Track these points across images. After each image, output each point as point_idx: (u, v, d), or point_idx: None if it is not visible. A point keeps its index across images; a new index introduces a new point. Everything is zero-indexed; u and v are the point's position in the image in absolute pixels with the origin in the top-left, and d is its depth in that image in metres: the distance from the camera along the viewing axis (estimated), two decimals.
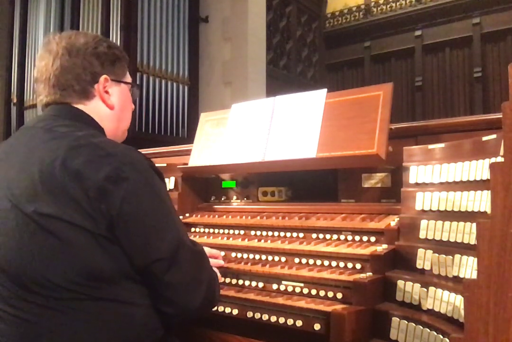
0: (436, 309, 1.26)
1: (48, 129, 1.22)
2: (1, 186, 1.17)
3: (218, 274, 1.58)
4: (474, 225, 1.02)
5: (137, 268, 1.14)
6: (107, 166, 1.10)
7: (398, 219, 1.59)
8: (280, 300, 1.49)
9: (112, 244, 1.10)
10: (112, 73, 1.37)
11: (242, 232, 1.97)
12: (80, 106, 1.31)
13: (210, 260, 1.68)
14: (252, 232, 1.92)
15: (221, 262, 1.73)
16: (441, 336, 1.17)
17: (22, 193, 1.12)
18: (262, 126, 2.03)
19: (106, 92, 1.35)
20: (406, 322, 1.31)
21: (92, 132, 1.24)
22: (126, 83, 1.44)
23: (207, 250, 1.72)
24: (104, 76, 1.34)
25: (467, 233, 1.27)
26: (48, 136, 1.19)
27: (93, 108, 1.33)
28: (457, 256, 1.28)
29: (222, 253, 1.82)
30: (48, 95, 1.32)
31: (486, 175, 1.26)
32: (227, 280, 1.69)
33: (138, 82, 4.76)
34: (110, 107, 1.37)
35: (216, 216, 2.13)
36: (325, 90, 1.91)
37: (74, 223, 1.07)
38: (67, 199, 1.08)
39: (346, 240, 1.67)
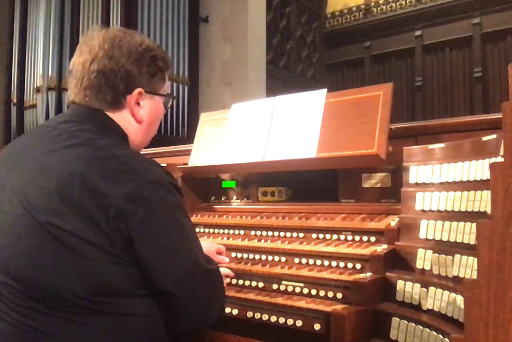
0: (436, 309, 1.26)
1: (71, 133, 1.17)
2: (16, 187, 1.13)
3: (229, 272, 1.57)
4: (474, 225, 1.02)
5: (153, 288, 1.12)
6: (128, 183, 1.07)
7: (398, 219, 1.59)
8: (280, 300, 1.48)
9: (127, 263, 1.08)
10: (149, 85, 1.30)
11: (242, 232, 1.97)
12: (108, 114, 1.26)
13: (216, 256, 1.69)
14: (252, 232, 1.92)
15: (226, 259, 1.74)
16: (441, 336, 1.17)
17: (37, 200, 1.08)
18: (262, 126, 2.03)
19: (138, 104, 1.29)
20: (406, 322, 1.31)
21: (115, 142, 1.20)
22: (161, 95, 1.37)
23: (212, 246, 1.72)
24: (138, 89, 1.27)
25: (467, 233, 1.27)
26: (69, 142, 1.14)
27: (120, 118, 1.28)
28: (457, 256, 1.28)
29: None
30: (78, 94, 1.26)
31: (486, 175, 1.26)
32: (227, 280, 1.69)
33: None
34: (138, 121, 1.31)
35: (216, 216, 2.13)
36: (325, 90, 1.91)
37: (89, 241, 1.04)
38: (84, 216, 1.05)
39: (346, 240, 1.67)
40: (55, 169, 1.10)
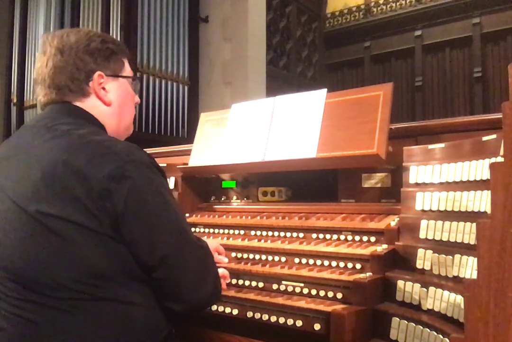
0: (436, 309, 1.26)
1: (49, 128, 1.22)
2: (4, 187, 1.17)
3: (225, 272, 1.57)
4: (474, 225, 1.02)
5: (143, 266, 1.14)
6: (109, 164, 1.10)
7: (398, 219, 1.59)
8: (280, 300, 1.49)
9: (117, 243, 1.10)
10: (108, 68, 1.35)
11: (242, 232, 1.97)
12: (78, 104, 1.31)
13: (214, 254, 1.69)
14: (252, 232, 1.92)
15: (225, 260, 1.74)
16: (441, 336, 1.17)
17: (25, 192, 1.12)
18: (262, 126, 2.03)
19: (103, 88, 1.33)
20: (406, 322, 1.31)
21: (93, 130, 1.24)
22: (124, 77, 1.40)
23: (212, 243, 1.72)
24: (98, 72, 1.32)
25: (467, 233, 1.27)
26: (49, 135, 1.19)
27: (91, 105, 1.32)
28: (457, 256, 1.28)
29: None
30: (45, 95, 1.32)
31: (486, 175, 1.26)
32: (227, 280, 1.69)
33: None
34: (107, 104, 1.35)
35: (216, 216, 2.13)
36: (325, 90, 1.91)
37: (77, 223, 1.07)
38: (70, 198, 1.08)
39: (346, 240, 1.67)
40: (38, 162, 1.14)
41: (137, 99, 1.49)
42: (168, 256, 1.14)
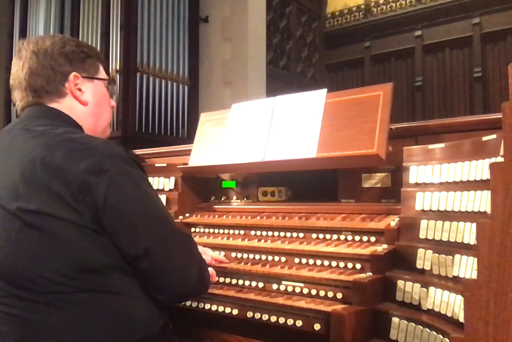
0: (436, 309, 1.26)
1: (26, 130, 1.24)
2: None
3: (213, 271, 1.58)
4: (474, 225, 1.02)
5: (127, 257, 1.14)
6: (87, 159, 1.11)
7: (398, 219, 1.59)
8: (280, 300, 1.48)
9: (100, 235, 1.11)
10: (83, 70, 1.37)
11: (242, 232, 1.97)
12: (54, 105, 1.32)
13: (214, 258, 1.70)
14: (252, 232, 1.92)
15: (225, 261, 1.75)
16: (441, 336, 1.17)
17: (5, 192, 1.14)
18: (262, 126, 2.03)
19: (79, 89, 1.36)
20: (406, 322, 1.31)
21: (70, 130, 1.25)
22: (99, 79, 1.43)
23: (212, 254, 1.73)
24: (73, 73, 1.34)
25: (467, 233, 1.27)
26: (26, 136, 1.21)
27: (67, 106, 1.34)
28: (457, 256, 1.27)
29: (222, 253, 1.83)
30: (22, 99, 1.34)
31: (486, 175, 1.26)
32: (227, 280, 1.69)
33: (138, 82, 4.77)
34: (83, 103, 1.37)
35: (216, 216, 2.13)
36: (325, 90, 1.91)
37: (58, 217, 1.08)
38: (50, 194, 1.09)
39: (346, 240, 1.67)
40: (17, 161, 1.16)
41: (113, 103, 1.51)
42: (151, 247, 1.16)
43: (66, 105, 1.34)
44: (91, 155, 1.13)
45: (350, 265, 1.53)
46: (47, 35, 1.42)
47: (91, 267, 1.11)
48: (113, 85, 1.53)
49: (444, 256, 1.33)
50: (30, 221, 1.09)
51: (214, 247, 1.85)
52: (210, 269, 1.58)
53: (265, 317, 1.47)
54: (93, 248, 1.10)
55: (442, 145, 1.51)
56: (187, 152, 2.31)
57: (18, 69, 1.33)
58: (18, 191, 1.11)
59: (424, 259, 1.40)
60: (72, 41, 1.38)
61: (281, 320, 1.43)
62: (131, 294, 1.16)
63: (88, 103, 1.38)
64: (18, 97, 1.35)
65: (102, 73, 1.46)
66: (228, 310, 1.55)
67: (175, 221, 2.06)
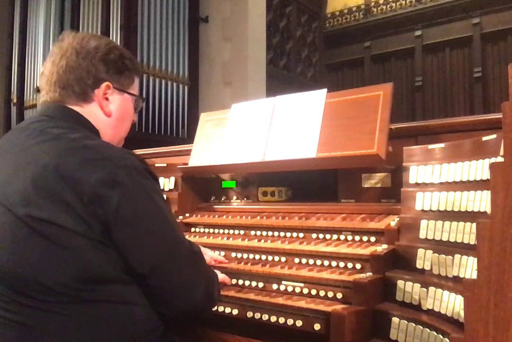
0: (436, 309, 1.26)
1: (41, 131, 1.20)
2: None
3: (224, 276, 1.58)
4: (474, 225, 1.02)
5: (133, 272, 1.13)
6: (101, 170, 1.09)
7: (398, 219, 1.59)
8: (280, 300, 1.48)
9: (108, 248, 1.09)
10: (117, 82, 1.35)
11: (242, 232, 1.97)
12: (76, 108, 1.30)
13: (214, 259, 1.70)
14: (252, 232, 1.92)
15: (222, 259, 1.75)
16: (441, 336, 1.17)
17: (15, 196, 1.11)
18: (262, 126, 2.03)
19: (106, 99, 1.34)
20: (406, 322, 1.31)
21: (86, 135, 1.22)
22: (130, 94, 1.41)
23: (211, 254, 1.73)
24: (106, 83, 1.32)
25: (467, 233, 1.27)
26: (41, 138, 1.18)
27: (90, 112, 1.31)
28: (457, 256, 1.27)
29: (222, 253, 1.83)
30: (48, 92, 1.31)
31: (486, 175, 1.26)
32: (228, 284, 1.69)
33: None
34: (106, 114, 1.34)
35: (216, 216, 2.13)
36: (325, 90, 1.91)
37: (67, 227, 1.06)
38: (60, 203, 1.07)
39: (346, 240, 1.67)
40: (29, 165, 1.12)
41: (134, 117, 1.49)
42: (159, 263, 1.14)
43: (88, 111, 1.31)
44: (104, 165, 1.10)
45: (350, 265, 1.53)
46: (96, 35, 1.38)
47: (96, 278, 1.09)
48: (141, 101, 1.50)
49: (444, 256, 1.33)
50: (38, 229, 1.07)
51: (214, 247, 1.85)
52: (222, 276, 1.57)
53: (265, 317, 1.47)
54: (100, 260, 1.08)
55: (442, 145, 1.51)
56: (187, 152, 2.31)
57: (55, 60, 1.30)
58: (28, 197, 1.08)
59: (424, 259, 1.40)
60: (117, 50, 1.36)
61: (281, 320, 1.43)
62: (134, 302, 1.15)
63: (112, 115, 1.35)
64: (45, 89, 1.32)
65: (134, 88, 1.43)
66: (228, 310, 1.55)
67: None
